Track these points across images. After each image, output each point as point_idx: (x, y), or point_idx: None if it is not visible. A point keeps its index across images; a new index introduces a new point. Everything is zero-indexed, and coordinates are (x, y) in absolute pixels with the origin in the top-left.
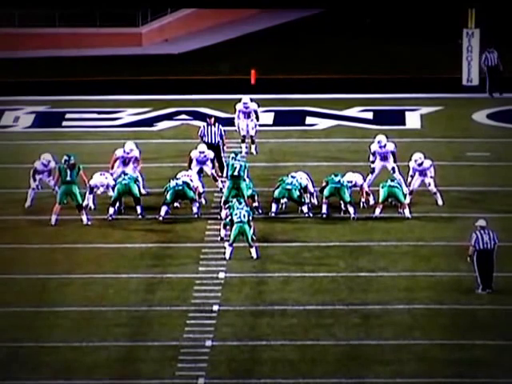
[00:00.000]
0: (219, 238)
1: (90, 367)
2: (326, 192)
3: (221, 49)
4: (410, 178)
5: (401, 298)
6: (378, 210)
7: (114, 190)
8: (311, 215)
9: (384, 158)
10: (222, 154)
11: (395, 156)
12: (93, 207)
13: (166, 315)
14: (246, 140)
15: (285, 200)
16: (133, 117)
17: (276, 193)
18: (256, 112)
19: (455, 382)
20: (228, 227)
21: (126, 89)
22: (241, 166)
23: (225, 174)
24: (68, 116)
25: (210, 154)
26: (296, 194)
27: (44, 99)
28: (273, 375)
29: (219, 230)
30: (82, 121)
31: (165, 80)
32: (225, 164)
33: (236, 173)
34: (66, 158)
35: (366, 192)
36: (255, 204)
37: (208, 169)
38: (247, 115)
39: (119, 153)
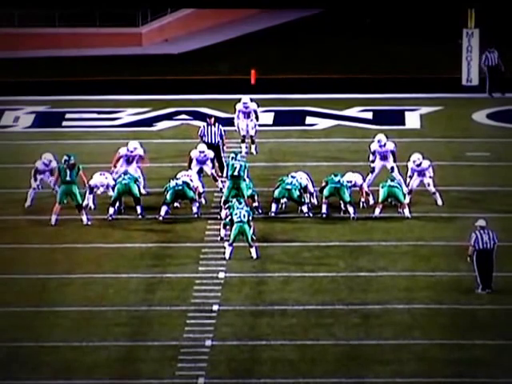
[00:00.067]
0: (219, 238)
1: (90, 367)
2: (325, 192)
3: (221, 49)
4: (408, 179)
5: (400, 297)
6: (377, 210)
7: (113, 190)
8: (311, 215)
9: (384, 157)
10: (222, 154)
11: (395, 155)
12: (93, 207)
13: (166, 315)
14: (246, 140)
15: (285, 200)
16: (133, 117)
17: (276, 193)
18: (256, 112)
19: (455, 382)
20: (228, 227)
21: (125, 89)
22: (241, 165)
23: (225, 174)
24: (68, 116)
25: (210, 153)
26: (296, 193)
27: (44, 99)
28: (273, 375)
29: (219, 229)
30: (82, 121)
31: (164, 80)
32: (225, 164)
33: (236, 173)
34: (65, 157)
35: (366, 192)
36: (255, 204)
37: (208, 169)
38: (247, 115)
39: (123, 151)
